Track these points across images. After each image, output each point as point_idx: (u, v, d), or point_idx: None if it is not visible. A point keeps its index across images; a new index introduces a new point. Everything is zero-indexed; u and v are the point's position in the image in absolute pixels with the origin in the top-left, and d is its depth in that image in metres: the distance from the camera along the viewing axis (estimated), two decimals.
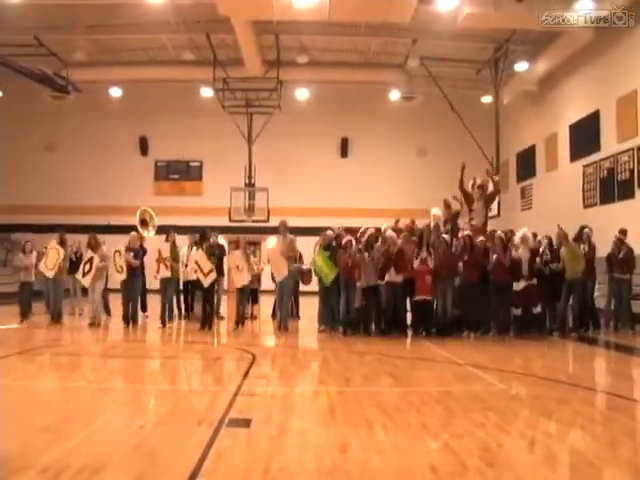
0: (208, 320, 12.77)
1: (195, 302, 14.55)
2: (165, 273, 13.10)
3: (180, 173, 28.53)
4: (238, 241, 14.19)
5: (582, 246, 12.73)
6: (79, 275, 13.18)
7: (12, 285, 17.27)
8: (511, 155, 25.72)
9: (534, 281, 11.97)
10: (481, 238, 12.42)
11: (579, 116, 20.34)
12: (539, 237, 13.01)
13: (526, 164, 24.80)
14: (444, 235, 12.34)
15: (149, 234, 14.75)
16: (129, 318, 13.15)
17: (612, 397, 6.68)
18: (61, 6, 19.47)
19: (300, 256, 13.95)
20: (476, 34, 21.08)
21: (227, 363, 9.41)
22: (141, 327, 13.28)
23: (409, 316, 12.37)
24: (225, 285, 15.23)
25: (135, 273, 13.21)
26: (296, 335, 12.65)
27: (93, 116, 26.37)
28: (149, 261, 13.37)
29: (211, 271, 12.55)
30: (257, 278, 14.67)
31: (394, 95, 25.78)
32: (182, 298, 14.98)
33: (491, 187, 15.27)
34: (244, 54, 22.61)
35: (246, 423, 5.19)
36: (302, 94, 26.80)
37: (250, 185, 25.41)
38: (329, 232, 12.94)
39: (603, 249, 13.27)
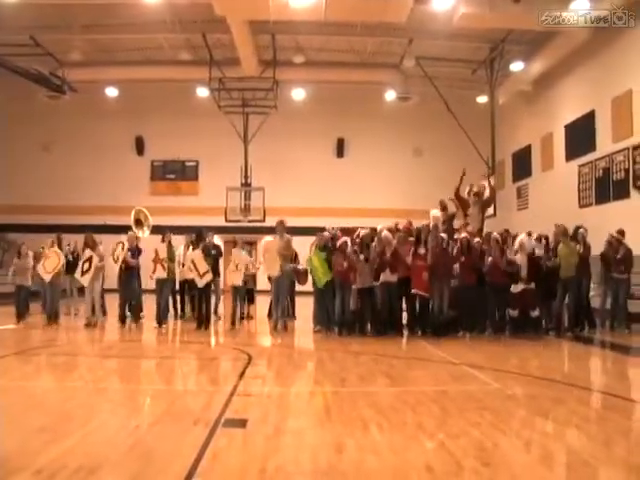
0: (205, 320, 12.78)
1: (191, 302, 14.52)
2: (161, 273, 13.08)
3: (176, 173, 28.50)
4: (236, 241, 14.17)
5: (577, 246, 12.75)
6: (77, 274, 13.17)
7: (8, 285, 17.21)
8: (507, 155, 25.76)
9: (532, 285, 11.99)
10: (477, 239, 12.45)
11: (574, 116, 20.39)
12: (535, 235, 13.06)
13: (522, 164, 24.84)
14: (441, 234, 12.34)
15: (144, 234, 14.72)
16: (125, 318, 13.16)
17: (607, 396, 6.70)
18: (57, 6, 19.43)
19: (296, 256, 13.94)
20: (472, 34, 21.10)
21: (223, 363, 9.42)
22: (137, 327, 13.24)
23: (405, 316, 12.38)
24: (221, 284, 15.19)
25: (132, 273, 13.21)
26: (292, 335, 12.64)
27: (89, 116, 26.34)
28: (145, 261, 13.35)
29: (207, 272, 12.56)
30: (253, 278, 14.65)
31: (390, 95, 25.81)
32: (178, 298, 14.97)
33: (487, 193, 15.32)
34: (240, 54, 22.59)
35: (242, 423, 5.19)
36: (298, 94, 26.80)
37: (246, 185, 25.39)
38: (325, 233, 12.95)
39: (599, 249, 13.31)
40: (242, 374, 7.70)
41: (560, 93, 21.71)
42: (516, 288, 11.93)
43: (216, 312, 14.30)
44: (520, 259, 12.06)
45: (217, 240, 14.16)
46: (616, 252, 12.98)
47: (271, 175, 25.59)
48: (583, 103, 19.84)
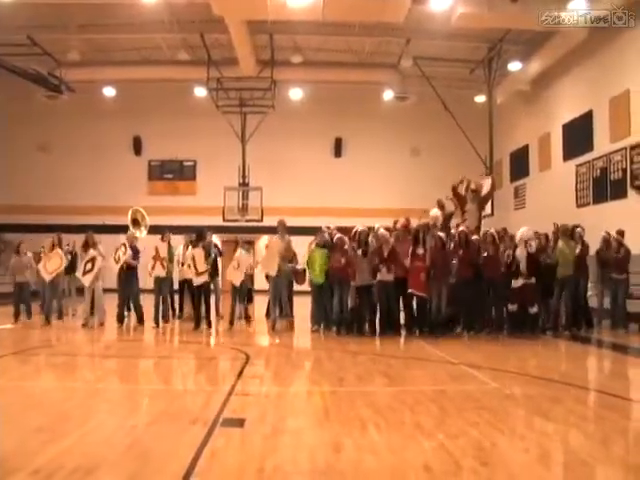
0: (205, 320, 12.78)
1: (187, 302, 14.49)
2: (160, 272, 13.07)
3: (174, 173, 28.49)
4: (237, 241, 14.08)
5: (576, 245, 12.77)
6: (79, 274, 13.13)
7: (5, 285, 17.21)
8: (504, 155, 25.78)
9: (532, 280, 12.00)
10: (475, 236, 12.47)
11: (572, 116, 20.41)
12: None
13: (519, 164, 24.87)
14: (439, 233, 12.35)
15: (141, 234, 14.69)
16: (124, 318, 13.16)
17: (605, 396, 6.70)
18: (54, 5, 19.40)
19: (294, 256, 13.92)
20: (470, 34, 21.10)
21: (221, 363, 9.42)
22: (135, 327, 13.22)
23: (402, 315, 12.38)
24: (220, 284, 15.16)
25: (132, 273, 13.19)
26: (290, 335, 12.63)
27: (87, 116, 26.29)
28: (145, 259, 13.34)
29: (204, 272, 12.52)
30: (250, 278, 14.63)
31: (388, 95, 25.79)
32: (176, 298, 14.95)
33: (485, 190, 15.31)
34: (238, 54, 22.58)
35: (240, 423, 5.19)
36: (296, 94, 26.80)
37: (244, 185, 25.38)
38: (326, 235, 12.91)
39: (596, 248, 13.33)
40: (240, 374, 7.70)
41: (558, 93, 21.74)
42: (516, 283, 11.95)
43: (217, 312, 14.29)
44: (520, 253, 12.08)
45: (215, 240, 14.13)
46: (617, 252, 13.03)
47: (269, 175, 25.58)
48: (581, 103, 19.86)
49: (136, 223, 14.83)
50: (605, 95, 18.12)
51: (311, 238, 13.14)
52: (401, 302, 12.21)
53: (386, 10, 17.90)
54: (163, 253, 13.05)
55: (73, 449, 4.44)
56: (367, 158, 27.46)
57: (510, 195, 25.34)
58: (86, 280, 13.03)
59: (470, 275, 11.93)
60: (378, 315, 12.22)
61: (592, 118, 19.07)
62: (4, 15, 18.85)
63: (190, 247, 13.65)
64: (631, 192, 16.93)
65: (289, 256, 13.13)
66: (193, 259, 12.61)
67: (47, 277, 13.34)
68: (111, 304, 13.32)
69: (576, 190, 19.95)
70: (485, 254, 12.06)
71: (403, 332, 12.10)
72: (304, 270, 13.08)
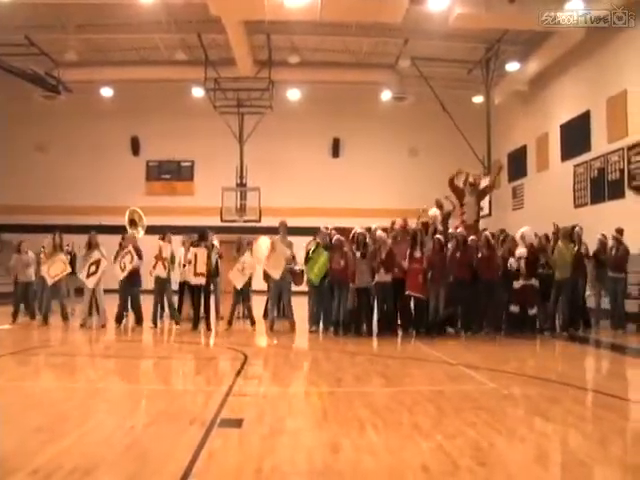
0: (205, 320, 12.76)
1: (187, 303, 14.45)
2: (161, 272, 13.01)
3: (172, 173, 28.43)
4: (241, 242, 13.91)
5: (574, 246, 12.79)
6: (83, 276, 13.05)
7: (4, 285, 17.20)
8: (502, 155, 25.73)
9: (532, 281, 12.02)
10: (472, 237, 12.49)
11: (570, 116, 20.42)
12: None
13: (517, 164, 24.87)
14: (437, 235, 12.38)
15: (138, 234, 14.68)
16: (122, 318, 13.14)
17: (603, 396, 6.71)
18: (52, 5, 19.40)
19: (293, 257, 13.90)
20: (467, 34, 21.13)
21: (219, 363, 9.42)
22: (133, 328, 13.20)
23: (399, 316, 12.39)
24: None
25: (136, 273, 13.14)
26: (288, 335, 12.63)
27: (85, 116, 26.25)
28: (147, 257, 13.26)
29: (202, 274, 12.46)
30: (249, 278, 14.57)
31: (385, 95, 25.80)
32: (175, 299, 14.89)
33: (483, 184, 15.30)
34: (235, 54, 22.56)
35: (238, 423, 5.19)
36: (293, 94, 26.78)
37: (241, 185, 25.36)
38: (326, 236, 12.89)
39: (593, 249, 13.35)
40: (238, 374, 7.71)
41: (555, 93, 21.75)
42: (517, 284, 11.97)
43: (218, 312, 14.26)
44: (521, 253, 12.10)
45: (214, 241, 14.09)
46: (616, 250, 13.05)
47: (267, 175, 25.53)
48: (578, 103, 19.87)
49: (133, 223, 14.83)
50: (603, 95, 18.14)
51: (309, 239, 13.13)
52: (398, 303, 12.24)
53: (383, 10, 17.92)
54: (165, 253, 13.02)
55: (72, 449, 4.44)
56: (365, 158, 27.44)
57: (508, 195, 25.33)
58: (90, 282, 12.94)
59: (467, 276, 11.95)
60: (376, 316, 12.24)
61: (590, 118, 19.09)
62: (2, 15, 18.83)
63: (191, 248, 13.61)
64: (629, 192, 16.94)
65: (289, 258, 13.13)
66: (195, 257, 12.54)
67: (49, 281, 13.28)
68: (111, 304, 13.29)
69: (574, 190, 19.96)
70: (480, 255, 12.08)
71: (400, 333, 12.10)
72: (302, 271, 13.07)
